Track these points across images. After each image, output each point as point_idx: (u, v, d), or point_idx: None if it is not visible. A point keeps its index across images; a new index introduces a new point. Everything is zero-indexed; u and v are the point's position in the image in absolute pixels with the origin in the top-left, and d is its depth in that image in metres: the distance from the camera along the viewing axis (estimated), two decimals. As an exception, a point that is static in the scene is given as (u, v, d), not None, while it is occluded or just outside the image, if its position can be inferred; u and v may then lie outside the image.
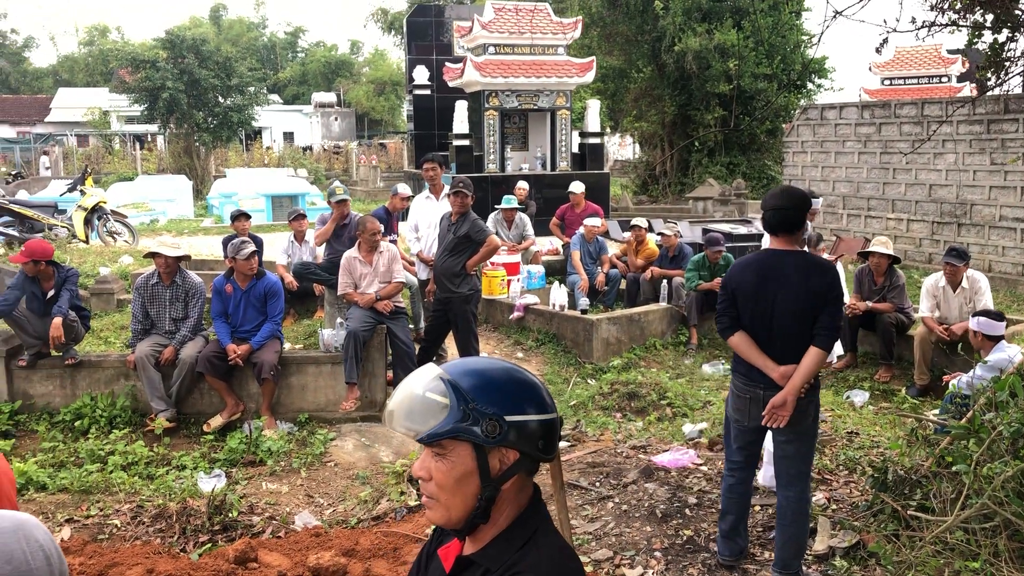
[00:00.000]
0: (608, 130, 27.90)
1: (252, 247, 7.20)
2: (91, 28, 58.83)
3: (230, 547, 5.18)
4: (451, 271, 7.49)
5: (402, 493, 6.15)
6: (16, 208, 12.45)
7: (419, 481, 1.66)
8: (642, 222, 10.89)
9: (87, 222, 12.45)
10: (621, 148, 34.98)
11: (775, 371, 4.11)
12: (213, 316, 7.33)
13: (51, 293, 7.08)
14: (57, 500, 6.03)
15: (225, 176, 20.62)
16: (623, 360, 8.97)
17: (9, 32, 61.11)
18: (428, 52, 19.94)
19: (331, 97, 50.48)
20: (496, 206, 11.36)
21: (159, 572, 4.81)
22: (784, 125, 17.91)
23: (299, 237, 9.66)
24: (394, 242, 9.27)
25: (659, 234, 10.80)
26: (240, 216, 9.39)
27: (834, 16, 4.99)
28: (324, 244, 8.84)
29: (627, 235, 11.19)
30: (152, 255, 7.25)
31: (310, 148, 38.87)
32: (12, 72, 59.61)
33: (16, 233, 12.12)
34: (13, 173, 26.11)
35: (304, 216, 9.62)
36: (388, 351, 7.66)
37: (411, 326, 8.90)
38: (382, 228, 7.94)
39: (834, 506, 5.22)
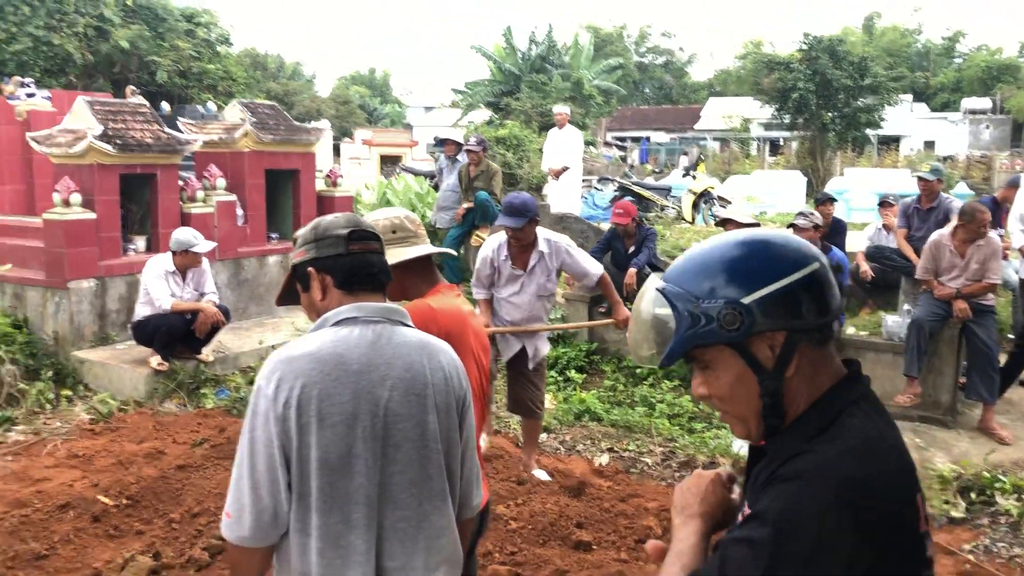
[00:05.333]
0: None
1: (811, 223, 6.99)
2: (747, 43, 62.46)
3: None
4: None
5: (946, 502, 5.45)
6: (637, 189, 13.99)
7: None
8: None
9: (695, 205, 13.40)
10: None
11: None
12: (775, 287, 7.32)
13: (631, 249, 7.78)
14: (605, 431, 6.63)
15: (842, 175, 20.34)
16: None
17: (677, 50, 68.16)
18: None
19: (985, 103, 46.00)
20: None
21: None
22: None
23: (887, 227, 9.08)
24: (1002, 237, 8.15)
25: None
26: (825, 201, 9.15)
27: None
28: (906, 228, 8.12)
29: None
30: (724, 222, 7.50)
31: (950, 157, 35.98)
32: (674, 86, 66.42)
33: (636, 212, 13.63)
34: (657, 171, 29.19)
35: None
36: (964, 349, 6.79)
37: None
38: (990, 218, 7.04)
39: None
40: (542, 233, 5.39)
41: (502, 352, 5.64)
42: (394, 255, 2.77)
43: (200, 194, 7.96)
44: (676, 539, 1.39)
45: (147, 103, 7.97)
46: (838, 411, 1.33)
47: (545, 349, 5.73)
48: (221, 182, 8.13)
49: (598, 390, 7.42)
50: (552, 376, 7.67)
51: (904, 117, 34.73)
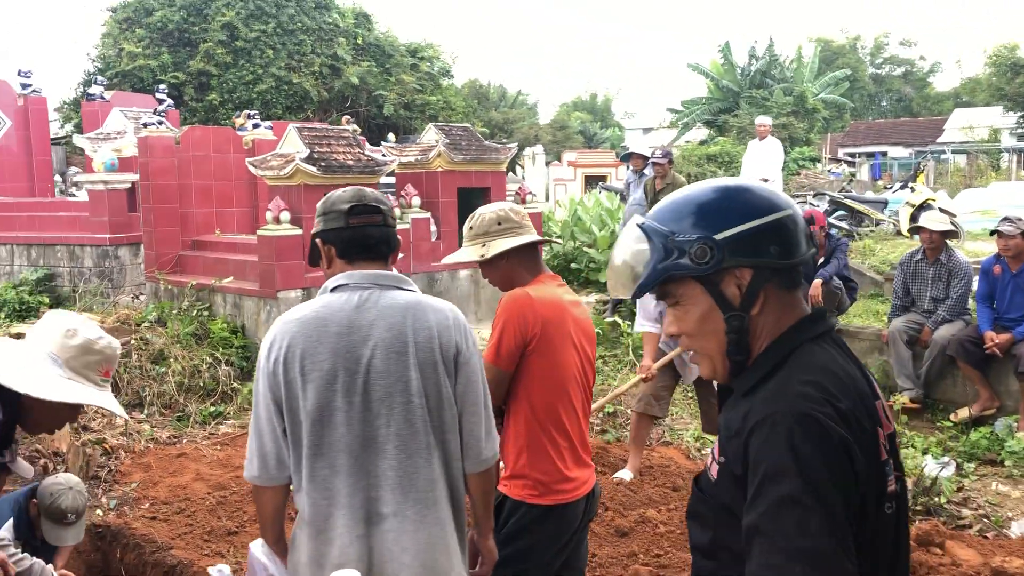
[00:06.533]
0: None
1: (1017, 229, 6.42)
2: (999, 47, 57.54)
3: (916, 526, 4.87)
4: None
5: None
6: (849, 203, 13.30)
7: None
8: None
9: (912, 218, 12.52)
10: None
11: None
12: (977, 299, 6.76)
13: (821, 260, 7.45)
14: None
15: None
16: None
17: (917, 60, 63.84)
18: None
19: None
20: None
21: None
22: None
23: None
24: None
25: None
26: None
27: None
28: None
29: None
30: (917, 230, 7.04)
31: None
32: (915, 97, 62.23)
33: (846, 225, 12.91)
34: (889, 186, 27.46)
35: None
36: None
37: None
38: None
39: None
40: None
41: (682, 374, 5.57)
42: (498, 245, 2.91)
43: (396, 212, 8.51)
44: None
45: (349, 129, 8.63)
46: (796, 346, 1.39)
47: None
48: (416, 200, 8.65)
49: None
50: (732, 390, 7.48)
51: None
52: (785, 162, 26.17)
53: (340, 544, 2.12)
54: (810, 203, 15.87)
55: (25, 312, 9.30)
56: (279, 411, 2.14)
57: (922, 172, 14.09)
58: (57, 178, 14.78)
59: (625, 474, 5.31)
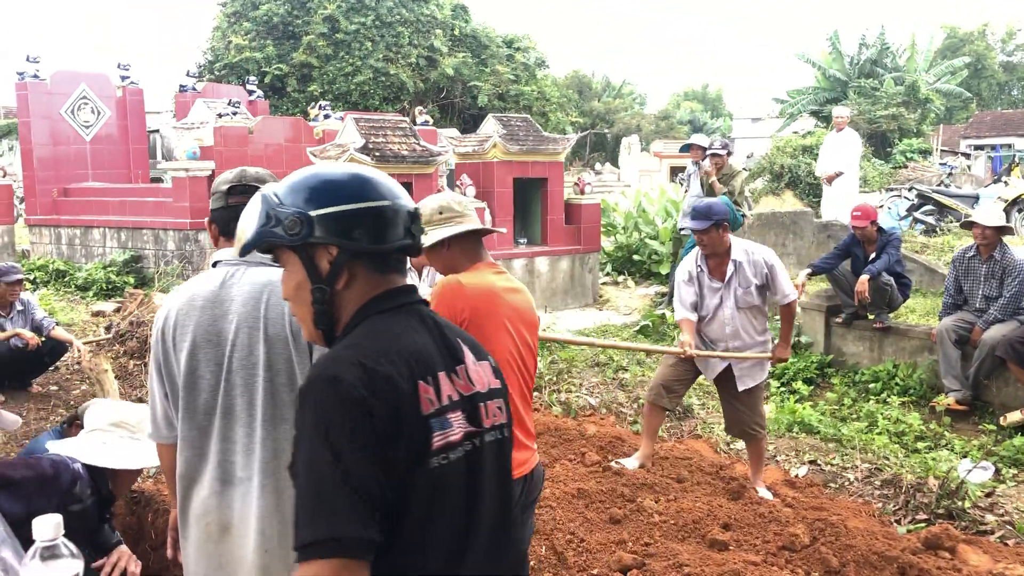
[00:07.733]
0: None
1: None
2: None
3: (927, 529, 4.77)
4: None
5: None
6: (938, 197, 12.76)
7: None
8: None
9: (1006, 212, 11.93)
10: None
11: None
12: (1033, 297, 6.48)
13: (872, 256, 7.25)
14: (813, 444, 6.30)
15: None
16: None
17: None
18: None
19: None
20: None
21: (849, 527, 4.73)
22: None
23: None
24: None
25: None
26: None
27: None
28: None
29: None
30: (968, 224, 6.78)
31: None
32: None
33: (933, 221, 12.42)
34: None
35: None
36: None
37: None
38: None
39: None
40: (741, 244, 5.12)
41: (704, 371, 5.38)
42: (435, 235, 3.03)
43: (451, 200, 8.70)
44: None
45: (406, 120, 8.86)
46: (366, 317, 1.52)
47: (760, 377, 5.28)
48: (471, 190, 8.82)
49: (823, 403, 7.03)
50: (775, 386, 7.37)
51: None
52: (891, 154, 25.22)
53: (201, 498, 2.33)
54: (904, 196, 15.31)
55: (111, 291, 9.93)
56: (160, 376, 2.37)
57: (1017, 165, 13.33)
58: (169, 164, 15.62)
59: (628, 462, 5.33)
